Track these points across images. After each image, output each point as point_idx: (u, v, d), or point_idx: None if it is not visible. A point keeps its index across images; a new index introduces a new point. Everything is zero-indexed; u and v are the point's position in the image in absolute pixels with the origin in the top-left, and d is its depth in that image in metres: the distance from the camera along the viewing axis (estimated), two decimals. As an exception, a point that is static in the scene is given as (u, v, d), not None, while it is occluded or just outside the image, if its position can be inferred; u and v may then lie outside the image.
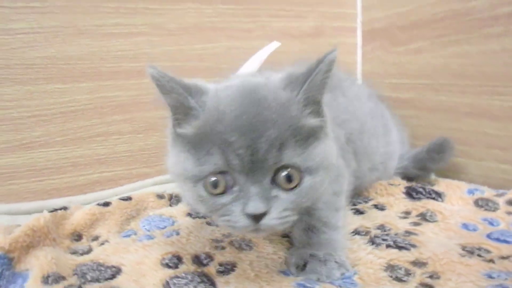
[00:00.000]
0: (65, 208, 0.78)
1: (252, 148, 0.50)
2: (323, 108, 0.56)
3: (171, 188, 1.01)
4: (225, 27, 1.08)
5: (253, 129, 0.50)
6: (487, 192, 0.86)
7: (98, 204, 0.82)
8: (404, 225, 0.74)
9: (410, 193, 0.87)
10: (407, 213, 0.80)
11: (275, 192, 0.52)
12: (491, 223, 0.72)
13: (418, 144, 1.05)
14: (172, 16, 1.00)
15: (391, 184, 0.93)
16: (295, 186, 0.52)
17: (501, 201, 0.80)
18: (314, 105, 0.54)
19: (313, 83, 0.52)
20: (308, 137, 0.53)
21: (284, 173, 0.51)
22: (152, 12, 0.97)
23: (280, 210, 0.51)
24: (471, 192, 0.87)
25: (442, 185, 0.93)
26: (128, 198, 0.87)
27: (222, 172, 0.52)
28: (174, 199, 0.94)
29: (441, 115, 1.08)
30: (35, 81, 0.88)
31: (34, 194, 0.89)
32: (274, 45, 0.72)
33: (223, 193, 0.52)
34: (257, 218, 0.50)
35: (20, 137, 0.88)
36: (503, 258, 0.58)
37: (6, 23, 0.84)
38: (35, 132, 0.89)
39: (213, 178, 0.52)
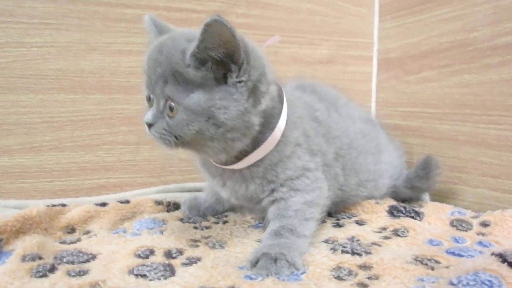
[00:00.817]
0: (63, 205, 0.86)
1: (149, 78, 0.68)
2: (225, 72, 0.66)
3: (173, 197, 1.06)
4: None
5: (150, 66, 0.68)
6: (468, 215, 0.86)
7: (96, 204, 0.88)
8: (374, 237, 0.76)
9: (392, 212, 0.89)
10: (383, 229, 0.82)
11: (164, 115, 0.67)
12: (457, 241, 0.73)
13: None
14: (180, 37, 1.10)
15: (377, 203, 0.95)
16: (174, 116, 0.66)
17: (475, 222, 0.80)
18: (201, 62, 0.64)
19: (198, 43, 0.63)
20: (190, 83, 0.65)
21: (169, 103, 0.66)
22: (162, 32, 1.07)
23: (160, 127, 0.67)
24: (452, 214, 0.88)
25: (429, 207, 0.94)
26: (126, 201, 0.93)
27: None
28: (172, 206, 0.99)
29: (443, 143, 1.11)
30: (48, 90, 0.98)
31: (42, 193, 0.98)
32: (275, 38, 0.82)
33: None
34: (149, 127, 0.68)
35: (31, 140, 0.97)
36: (445, 267, 0.59)
37: (23, 37, 0.95)
38: (46, 136, 0.98)
39: (148, 95, 0.71)
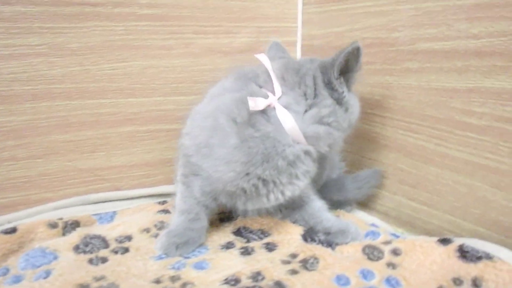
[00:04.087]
0: None
1: None
2: None
3: (73, 212, 0.98)
4: (140, 45, 1.03)
5: None
6: (383, 235, 0.85)
7: (-27, 240, 0.77)
8: (279, 273, 0.72)
9: (306, 237, 0.84)
10: (293, 256, 0.78)
11: None
12: (365, 277, 0.71)
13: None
14: (74, 35, 0.95)
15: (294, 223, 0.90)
16: None
17: (387, 250, 0.78)
18: None
19: None
20: None
21: None
22: (50, 31, 0.91)
23: None
24: (367, 235, 0.85)
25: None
26: (13, 230, 0.82)
27: None
28: (69, 227, 0.90)
29: (365, 144, 1.07)
30: None
31: None
32: None
33: None
34: None
35: None
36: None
37: None
38: None
39: None
